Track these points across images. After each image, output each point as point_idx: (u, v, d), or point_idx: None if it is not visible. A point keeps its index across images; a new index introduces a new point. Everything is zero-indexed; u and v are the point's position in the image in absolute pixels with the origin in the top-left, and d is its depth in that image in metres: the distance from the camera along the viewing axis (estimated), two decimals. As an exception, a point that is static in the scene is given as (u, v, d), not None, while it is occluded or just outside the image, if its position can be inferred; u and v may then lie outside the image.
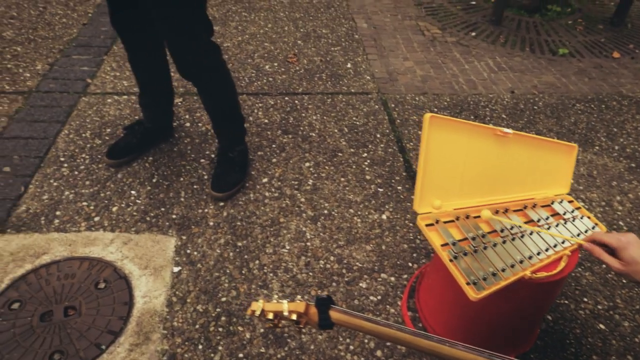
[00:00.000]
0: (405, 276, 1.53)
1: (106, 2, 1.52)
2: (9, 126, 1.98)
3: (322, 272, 1.51)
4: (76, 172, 1.79)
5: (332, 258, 1.56)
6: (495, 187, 1.25)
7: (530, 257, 1.10)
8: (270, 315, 0.86)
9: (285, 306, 0.85)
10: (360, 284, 1.49)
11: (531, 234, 1.16)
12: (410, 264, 1.57)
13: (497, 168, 1.24)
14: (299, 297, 1.42)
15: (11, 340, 1.26)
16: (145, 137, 1.89)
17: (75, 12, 2.89)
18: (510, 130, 1.20)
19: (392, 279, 1.51)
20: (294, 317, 0.86)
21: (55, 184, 1.74)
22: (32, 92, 2.19)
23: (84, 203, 1.67)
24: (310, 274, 1.51)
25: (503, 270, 1.06)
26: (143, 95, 1.82)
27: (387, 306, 1.43)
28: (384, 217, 1.73)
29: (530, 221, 1.21)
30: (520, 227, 1.16)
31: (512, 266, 1.07)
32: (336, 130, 2.12)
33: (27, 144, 1.90)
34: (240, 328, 1.34)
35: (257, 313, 0.85)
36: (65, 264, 1.46)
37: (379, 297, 1.45)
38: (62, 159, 1.85)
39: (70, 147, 1.90)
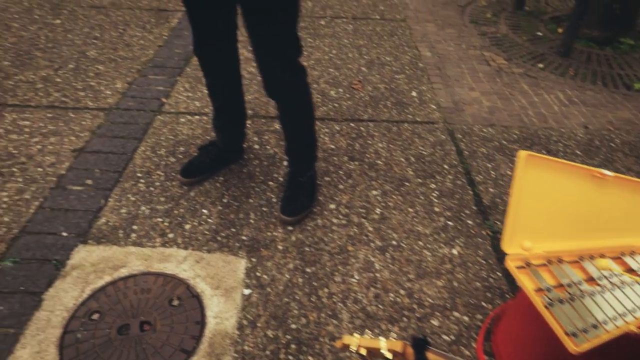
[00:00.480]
0: (479, 316, 1.46)
1: (192, 32, 1.58)
2: (92, 140, 2.09)
3: (392, 306, 1.48)
4: (152, 188, 1.86)
5: (402, 292, 1.52)
6: (590, 232, 1.18)
7: (634, 310, 1.02)
8: (363, 351, 0.84)
9: (383, 344, 0.83)
10: (432, 322, 1.44)
11: (633, 285, 1.09)
12: (484, 304, 1.50)
13: (593, 211, 1.18)
14: (391, 333, 1.39)
15: (91, 351, 1.29)
16: (218, 158, 1.94)
17: (152, 34, 3.06)
18: (610, 172, 1.14)
19: (466, 318, 1.45)
20: (390, 355, 0.83)
21: (132, 198, 1.81)
22: (112, 109, 2.31)
23: (159, 219, 1.73)
24: (380, 306, 1.47)
25: (604, 322, 0.99)
26: (218, 118, 1.88)
27: (462, 347, 1.37)
28: (454, 252, 1.68)
29: (630, 270, 1.13)
30: (621, 275, 1.09)
31: (615, 319, 1.00)
32: (402, 159, 2.10)
33: (107, 158, 2.00)
34: (310, 358, 1.32)
35: (353, 348, 0.83)
36: (142, 279, 1.50)
37: (453, 337, 1.39)
38: (139, 175, 1.92)
39: (147, 164, 1.98)
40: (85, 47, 2.86)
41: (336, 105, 2.46)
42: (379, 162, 2.08)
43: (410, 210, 1.84)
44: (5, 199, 1.77)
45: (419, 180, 1.99)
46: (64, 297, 1.43)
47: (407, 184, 1.97)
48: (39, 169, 1.92)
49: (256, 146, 2.12)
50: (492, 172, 2.06)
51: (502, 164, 2.12)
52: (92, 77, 2.57)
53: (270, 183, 1.93)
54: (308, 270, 1.58)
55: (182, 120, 2.27)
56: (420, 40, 3.23)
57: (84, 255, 1.57)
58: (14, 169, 1.91)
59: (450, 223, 1.79)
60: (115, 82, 2.53)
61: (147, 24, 3.20)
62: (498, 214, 1.85)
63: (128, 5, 3.47)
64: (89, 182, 1.87)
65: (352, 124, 2.32)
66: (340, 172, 2.01)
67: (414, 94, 2.60)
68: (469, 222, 1.81)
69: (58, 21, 3.17)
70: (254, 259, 1.60)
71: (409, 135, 2.26)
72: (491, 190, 1.97)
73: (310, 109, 1.68)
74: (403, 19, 3.51)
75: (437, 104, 2.52)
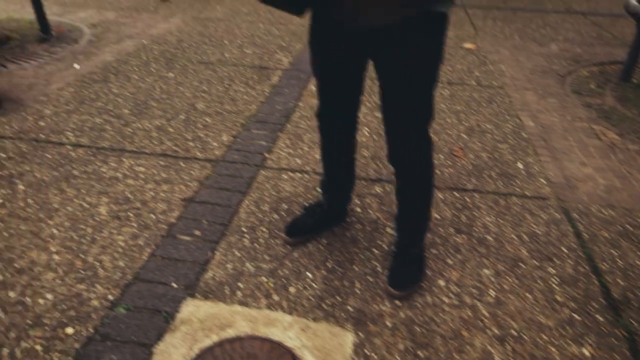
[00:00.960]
0: None
1: (319, 96, 1.61)
2: (200, 191, 2.16)
3: (518, 410, 1.31)
4: (256, 245, 1.86)
5: (528, 393, 1.35)
6: None
7: None
8: None
9: None
10: None
11: None
12: (630, 423, 1.29)
13: None
14: None
15: (198, 418, 1.25)
16: (322, 219, 1.91)
17: (254, 90, 3.22)
18: None
19: None
20: None
21: (237, 254, 1.81)
22: (219, 161, 2.40)
23: (264, 278, 1.70)
24: (505, 409, 1.31)
25: None
26: (327, 180, 1.87)
27: None
28: (585, 352, 1.49)
29: None
30: None
31: None
32: (514, 237, 1.96)
33: (214, 209, 2.05)
34: None
35: None
36: (248, 343, 1.46)
37: None
38: (243, 230, 1.94)
39: (251, 219, 2.00)
40: (194, 99, 3.06)
41: (438, 172, 2.39)
42: (488, 237, 1.95)
43: (529, 296, 1.68)
44: (122, 243, 1.84)
45: (535, 262, 1.83)
46: (173, 353, 1.41)
47: (522, 265, 1.82)
48: (152, 216, 1.99)
49: (358, 209, 2.08)
50: (619, 261, 1.86)
51: (630, 252, 1.91)
52: (201, 128, 2.71)
53: (375, 250, 1.86)
54: (420, 354, 1.46)
55: (284, 176, 2.30)
56: (521, 108, 3.12)
57: (192, 309, 1.56)
58: (130, 214, 2.00)
59: (576, 316, 1.61)
60: (222, 135, 2.65)
61: (250, 80, 3.38)
62: (632, 311, 1.64)
63: (233, 62, 3.71)
64: (197, 233, 1.91)
65: (456, 194, 2.23)
66: (448, 245, 1.90)
67: (519, 165, 2.47)
68: (599, 317, 1.61)
69: (171, 74, 3.44)
70: (361, 334, 1.51)
71: (518, 211, 2.12)
72: (620, 282, 1.76)
73: (430, 182, 1.61)
74: (501, 86, 3.44)
75: (546, 178, 2.38)
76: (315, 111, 1.70)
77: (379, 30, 1.26)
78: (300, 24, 4.74)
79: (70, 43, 4.02)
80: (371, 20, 1.23)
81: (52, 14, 4.71)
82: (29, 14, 4.57)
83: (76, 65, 3.54)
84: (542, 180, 2.36)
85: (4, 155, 2.39)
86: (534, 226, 2.03)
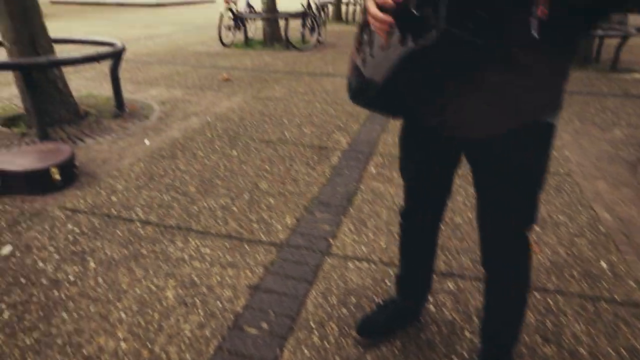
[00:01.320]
0: None
1: (406, 198, 1.57)
2: (265, 277, 2.12)
3: None
4: (326, 344, 1.75)
5: None
6: None
7: None
8: None
9: None
10: None
11: None
12: None
13: None
14: None
15: None
16: (395, 317, 1.80)
17: (315, 171, 3.25)
18: None
19: None
20: None
21: (307, 353, 1.71)
22: (283, 246, 2.36)
23: (336, 385, 1.58)
24: None
25: None
26: (404, 276, 1.79)
27: None
28: None
29: None
30: None
31: None
32: (611, 351, 1.76)
33: (280, 300, 1.98)
34: None
35: None
36: None
37: None
38: (312, 325, 1.85)
39: (319, 312, 1.91)
40: (257, 178, 3.12)
41: (513, 267, 2.24)
42: (581, 350, 1.76)
43: None
44: (188, 333, 1.79)
45: (641, 385, 1.62)
46: None
47: (626, 388, 1.61)
48: (218, 303, 1.95)
49: (432, 308, 1.96)
50: None
51: None
52: (264, 209, 2.72)
53: (454, 358, 1.71)
54: None
55: (351, 266, 2.22)
56: (593, 199, 2.97)
57: (262, 418, 1.45)
58: (196, 300, 1.97)
59: None
60: (285, 217, 2.64)
61: (310, 160, 3.43)
62: None
63: (293, 141, 3.81)
64: (264, 325, 1.83)
65: (536, 294, 2.06)
66: (536, 356, 1.72)
67: (603, 264, 2.29)
68: None
69: (234, 152, 3.55)
70: None
71: (611, 319, 1.93)
72: None
73: (526, 291, 1.49)
74: (567, 173, 3.32)
75: (635, 280, 2.18)
76: (400, 210, 1.66)
77: (479, 140, 1.23)
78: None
79: (141, 119, 4.29)
80: (472, 131, 1.20)
81: (127, 91, 5.10)
82: (106, 91, 4.98)
83: (146, 141, 3.74)
84: (631, 282, 2.16)
85: (78, 230, 2.46)
86: (632, 338, 1.82)
